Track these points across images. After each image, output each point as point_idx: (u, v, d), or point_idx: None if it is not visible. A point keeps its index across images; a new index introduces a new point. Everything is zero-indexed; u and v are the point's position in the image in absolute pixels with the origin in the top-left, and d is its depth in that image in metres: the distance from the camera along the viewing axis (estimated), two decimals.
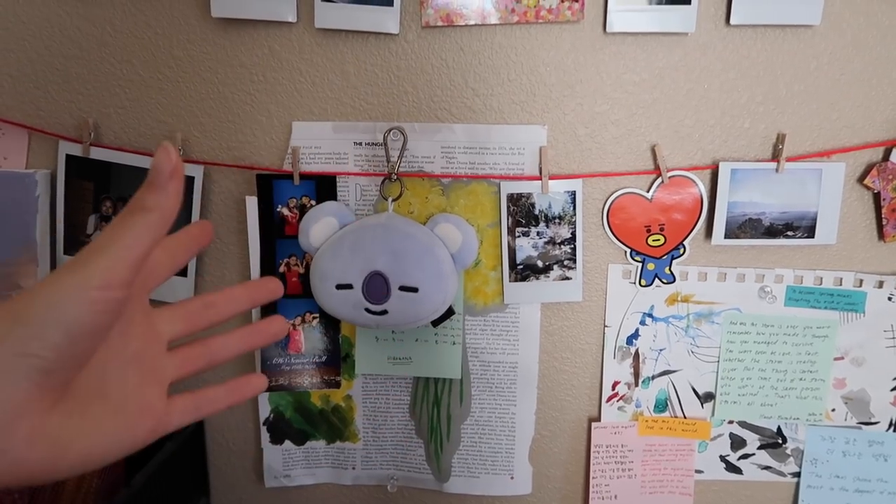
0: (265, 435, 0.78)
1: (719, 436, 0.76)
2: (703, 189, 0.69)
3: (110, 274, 0.30)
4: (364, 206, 0.72)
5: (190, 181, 0.71)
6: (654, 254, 0.71)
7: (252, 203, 0.72)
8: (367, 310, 0.66)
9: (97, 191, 0.73)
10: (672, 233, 0.70)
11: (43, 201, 0.72)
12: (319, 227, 0.68)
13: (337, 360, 0.75)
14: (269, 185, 0.71)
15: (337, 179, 0.71)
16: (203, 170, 0.71)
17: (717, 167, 0.68)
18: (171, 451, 0.72)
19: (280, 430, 0.78)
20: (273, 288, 0.42)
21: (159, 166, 0.33)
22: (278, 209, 0.72)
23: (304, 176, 0.71)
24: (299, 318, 0.74)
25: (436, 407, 0.77)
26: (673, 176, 0.68)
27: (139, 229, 0.31)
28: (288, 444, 0.79)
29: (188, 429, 0.76)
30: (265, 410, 0.78)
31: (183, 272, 0.74)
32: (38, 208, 0.72)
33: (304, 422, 0.78)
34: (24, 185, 0.71)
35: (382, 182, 0.70)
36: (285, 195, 0.72)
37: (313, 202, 0.71)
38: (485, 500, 0.80)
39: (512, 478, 0.78)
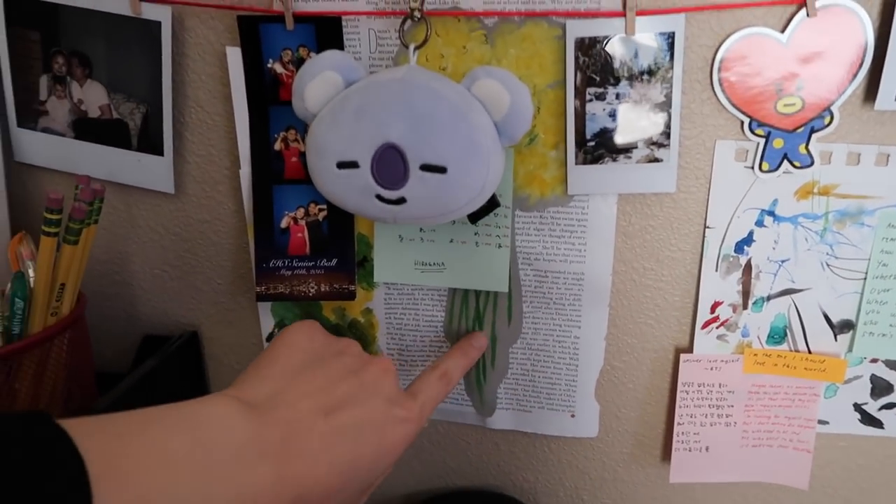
0: None
1: (856, 378, 0.56)
2: (869, 26, 0.46)
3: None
4: (381, 60, 0.54)
5: (156, 28, 0.54)
6: (786, 125, 0.50)
7: (235, 57, 0.55)
8: (379, 197, 0.48)
9: (45, 43, 0.57)
10: (815, 93, 0.48)
11: None
12: (317, 85, 0.50)
13: (351, 265, 0.59)
14: (255, 32, 0.54)
15: (343, 22, 0.53)
16: (171, 11, 0.54)
17: None
18: (151, 367, 0.59)
19: None
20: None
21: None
22: (269, 65, 0.54)
23: (299, 18, 0.52)
24: (301, 210, 0.58)
25: (477, 325, 0.60)
26: (825, 6, 0.46)
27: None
28: None
29: (176, 343, 0.63)
30: (268, 323, 0.63)
31: (159, 150, 0.58)
32: None
33: None
34: None
35: (402, 23, 0.51)
36: (277, 45, 0.54)
37: (313, 54, 0.53)
38: (538, 441, 0.64)
39: (573, 416, 0.62)
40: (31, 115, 0.60)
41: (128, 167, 0.59)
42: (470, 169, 0.47)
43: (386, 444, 0.37)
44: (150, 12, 0.54)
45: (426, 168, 0.47)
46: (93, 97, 0.58)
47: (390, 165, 0.47)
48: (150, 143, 0.58)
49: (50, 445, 0.24)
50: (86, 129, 0.59)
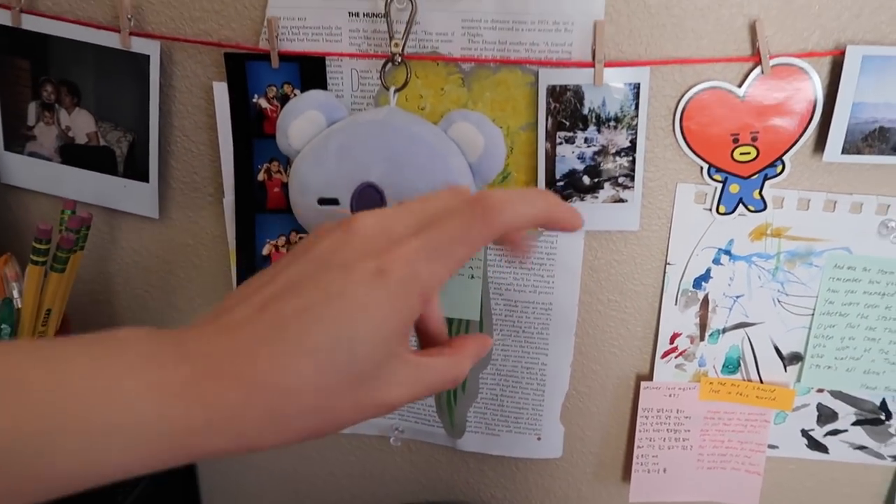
0: None
1: (804, 406, 0.60)
2: (818, 84, 0.50)
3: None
4: (362, 99, 0.56)
5: (145, 62, 0.56)
6: (742, 172, 0.53)
7: (221, 91, 0.57)
8: None
9: (34, 71, 0.59)
10: (768, 144, 0.52)
11: None
12: (301, 123, 0.52)
13: None
14: (241, 69, 0.56)
15: (327, 62, 0.55)
16: (160, 46, 0.56)
17: (843, 53, 0.49)
18: None
19: None
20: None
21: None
22: (254, 100, 0.57)
23: (284, 57, 0.55)
24: (283, 239, 0.60)
25: None
26: (778, 64, 0.50)
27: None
28: None
29: None
30: None
31: (145, 177, 0.60)
32: None
33: None
34: None
35: (384, 66, 0.53)
36: (262, 82, 0.56)
37: (297, 91, 0.56)
38: (505, 462, 0.67)
39: (539, 438, 0.65)
40: (18, 139, 0.61)
41: (113, 192, 0.61)
42: None
43: (358, 318, 0.27)
44: (140, 46, 0.56)
45: None
46: (81, 124, 0.59)
47: (369, 203, 0.50)
48: (135, 169, 0.60)
49: None
50: (73, 154, 0.60)
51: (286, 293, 0.28)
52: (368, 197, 0.50)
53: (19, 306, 0.52)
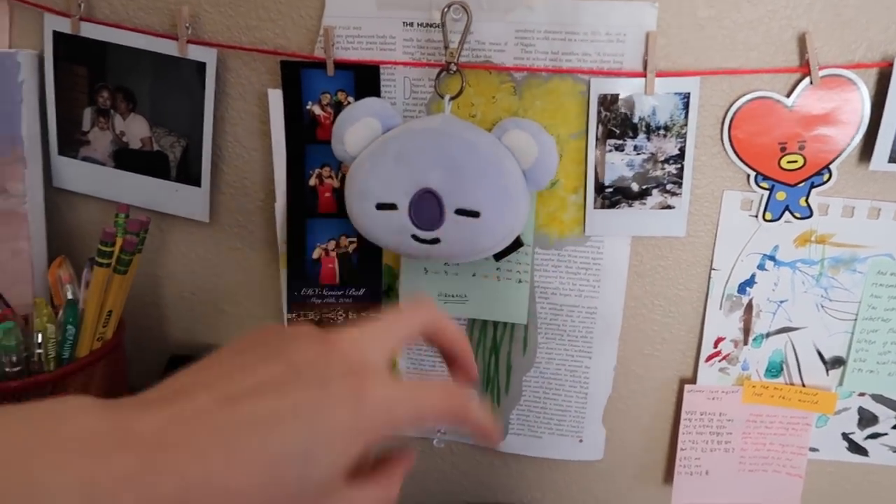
0: None
1: (845, 409, 0.61)
2: (866, 94, 0.51)
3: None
4: (414, 106, 0.57)
5: (201, 69, 0.57)
6: (788, 180, 0.54)
7: (276, 98, 0.58)
8: (415, 237, 0.52)
9: (91, 77, 0.60)
10: (815, 153, 0.53)
11: (29, 88, 0.60)
12: (357, 130, 0.53)
13: (378, 295, 0.62)
14: (296, 76, 0.57)
15: (381, 70, 0.56)
16: (216, 54, 0.57)
17: (891, 64, 0.50)
18: None
19: None
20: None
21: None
22: (308, 107, 0.58)
23: (339, 65, 0.56)
24: (333, 243, 0.61)
25: (493, 354, 0.64)
26: (826, 76, 0.51)
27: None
28: None
29: None
30: None
31: (196, 181, 0.61)
32: (24, 97, 0.59)
33: None
34: (5, 68, 0.59)
35: (438, 75, 0.55)
36: (317, 89, 0.57)
37: (351, 99, 0.57)
38: (546, 464, 0.68)
39: (581, 440, 0.66)
40: (72, 144, 0.62)
41: (165, 196, 0.62)
42: (502, 214, 0.51)
43: (321, 438, 0.27)
44: (197, 54, 0.57)
45: (461, 212, 0.51)
46: (135, 130, 0.60)
47: (427, 209, 0.51)
48: (188, 174, 0.61)
49: None
50: (126, 159, 0.61)
51: (255, 394, 0.27)
52: (427, 202, 0.51)
53: (82, 307, 0.53)
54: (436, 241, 0.52)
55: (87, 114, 0.61)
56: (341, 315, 0.62)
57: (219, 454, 0.25)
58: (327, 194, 0.60)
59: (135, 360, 0.68)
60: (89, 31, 0.58)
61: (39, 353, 0.50)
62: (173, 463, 0.24)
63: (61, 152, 0.63)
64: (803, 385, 0.61)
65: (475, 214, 0.51)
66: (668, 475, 0.66)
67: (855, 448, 0.62)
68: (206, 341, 0.69)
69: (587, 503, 0.69)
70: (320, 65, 0.56)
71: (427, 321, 0.33)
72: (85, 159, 0.62)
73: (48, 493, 0.21)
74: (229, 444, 0.25)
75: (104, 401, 0.25)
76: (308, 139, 0.59)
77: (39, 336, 0.50)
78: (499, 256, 0.58)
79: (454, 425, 0.33)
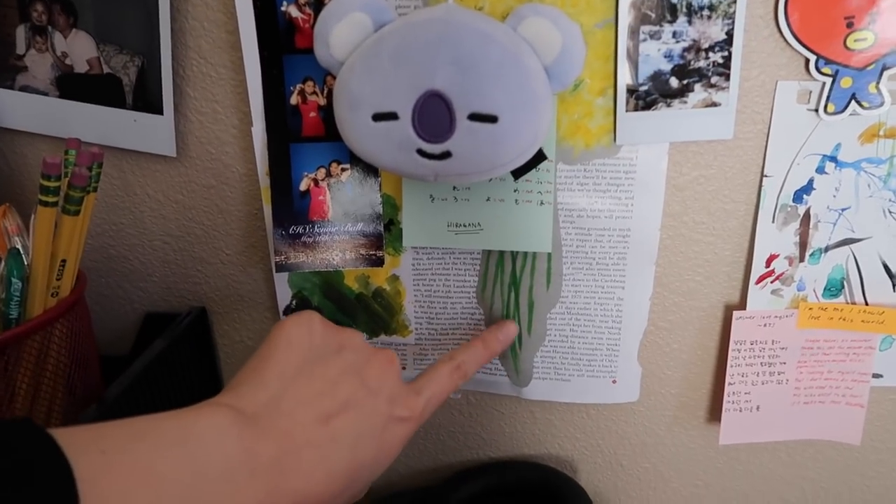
0: None
1: None
2: None
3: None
4: (408, 0, 0.48)
5: None
6: (856, 62, 0.46)
7: (244, 0, 0.48)
8: (421, 151, 0.44)
9: None
10: (889, 28, 0.45)
11: None
12: (344, 29, 0.44)
13: (377, 229, 0.54)
14: None
15: None
16: None
17: None
18: (161, 349, 0.53)
19: None
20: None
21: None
22: (283, 8, 0.48)
23: None
24: (322, 171, 0.52)
25: (513, 290, 0.56)
26: None
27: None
28: None
29: (185, 321, 0.58)
30: (285, 295, 0.58)
31: (158, 109, 0.52)
32: None
33: (336, 310, 0.58)
34: None
35: None
36: None
37: None
38: (575, 409, 0.61)
39: (614, 382, 0.59)
40: (6, 71, 0.53)
41: (122, 128, 0.53)
42: (523, 118, 0.43)
43: (385, 447, 0.36)
44: None
45: (475, 118, 0.42)
46: (79, 49, 0.51)
47: (434, 115, 0.42)
48: (146, 100, 0.52)
49: (39, 459, 0.23)
50: (72, 86, 0.52)
51: (342, 412, 0.34)
52: (434, 107, 0.42)
53: (31, 264, 0.44)
54: (446, 154, 0.43)
55: (20, 32, 0.51)
56: (337, 255, 0.54)
57: (321, 472, 0.31)
58: (312, 114, 0.51)
59: (104, 320, 0.60)
60: None
61: None
62: (291, 488, 0.30)
63: None
64: (866, 303, 0.54)
65: (493, 119, 0.42)
66: (713, 414, 0.59)
67: None
68: (185, 297, 0.60)
69: (622, 449, 0.63)
70: None
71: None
72: (23, 89, 0.53)
73: None
74: (327, 462, 0.32)
75: (231, 415, 0.30)
76: (285, 49, 0.50)
77: None
78: (517, 174, 0.50)
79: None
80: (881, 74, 0.46)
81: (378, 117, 0.43)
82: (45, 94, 0.53)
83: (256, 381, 0.33)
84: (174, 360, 0.55)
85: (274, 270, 0.54)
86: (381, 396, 0.36)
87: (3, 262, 0.43)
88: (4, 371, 0.44)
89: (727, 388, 0.56)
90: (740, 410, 0.57)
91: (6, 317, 0.43)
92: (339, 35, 0.44)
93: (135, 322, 0.61)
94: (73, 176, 0.42)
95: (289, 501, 0.30)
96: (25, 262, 0.44)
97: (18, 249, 0.44)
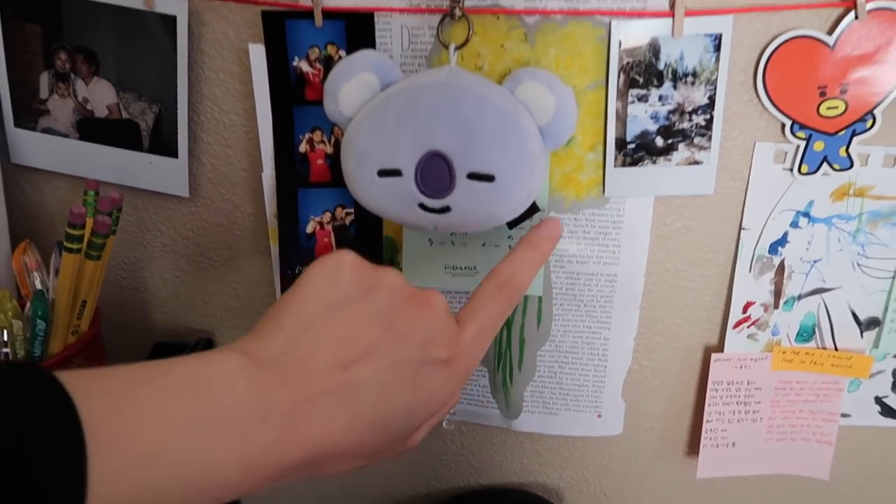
0: None
1: (879, 373, 0.58)
2: None
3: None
4: (413, 59, 0.51)
5: (171, 24, 0.51)
6: (828, 128, 0.50)
7: (258, 54, 0.52)
8: (423, 206, 0.47)
9: (46, 37, 0.53)
10: (859, 97, 0.48)
11: None
12: (352, 87, 0.47)
13: None
14: (280, 29, 0.51)
15: (375, 19, 0.50)
16: (188, 6, 0.51)
17: None
18: None
19: None
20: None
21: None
22: (295, 63, 0.52)
23: (328, 14, 0.50)
24: (328, 215, 0.56)
25: (506, 328, 0.59)
26: (874, 9, 0.46)
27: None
28: None
29: (192, 351, 0.60)
30: None
31: (173, 152, 0.55)
32: None
33: None
34: None
35: (441, 22, 0.49)
36: (304, 43, 0.51)
37: (343, 52, 0.51)
38: (563, 442, 0.64)
39: (599, 416, 0.62)
40: (29, 114, 0.55)
41: (138, 170, 0.56)
42: (519, 177, 0.46)
43: (422, 396, 0.32)
44: (165, 6, 0.51)
45: (474, 176, 0.45)
46: (100, 96, 0.54)
47: (435, 174, 0.46)
48: (162, 144, 0.55)
49: (46, 400, 0.23)
50: (92, 129, 0.55)
51: (364, 358, 0.31)
52: (435, 166, 0.45)
53: (52, 297, 0.47)
54: (446, 209, 0.47)
55: (44, 79, 0.54)
56: None
57: (339, 422, 0.29)
58: (320, 161, 0.54)
59: (115, 350, 0.63)
60: None
61: (6, 353, 0.45)
62: (305, 436, 0.28)
63: (17, 124, 0.56)
64: (836, 349, 0.57)
65: (490, 178, 0.45)
66: (692, 448, 0.63)
67: (888, 412, 0.59)
68: (193, 326, 0.63)
69: (606, 480, 0.66)
70: (307, 14, 0.50)
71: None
72: (45, 131, 0.56)
73: (214, 469, 0.26)
74: (347, 410, 0.29)
75: (243, 361, 0.29)
76: (296, 100, 0.53)
77: (5, 333, 0.45)
78: (512, 224, 0.53)
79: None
80: (850, 140, 0.50)
81: (383, 173, 0.46)
82: (66, 136, 0.55)
83: (273, 327, 0.31)
84: None
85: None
86: (413, 341, 0.32)
87: (28, 304, 0.46)
88: None
89: (705, 426, 0.59)
90: (717, 446, 0.60)
91: (30, 354, 0.46)
92: (348, 93, 0.48)
93: (144, 351, 0.63)
94: (96, 224, 0.45)
95: (303, 450, 0.28)
96: (48, 302, 0.47)
97: (43, 292, 0.46)
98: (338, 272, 0.34)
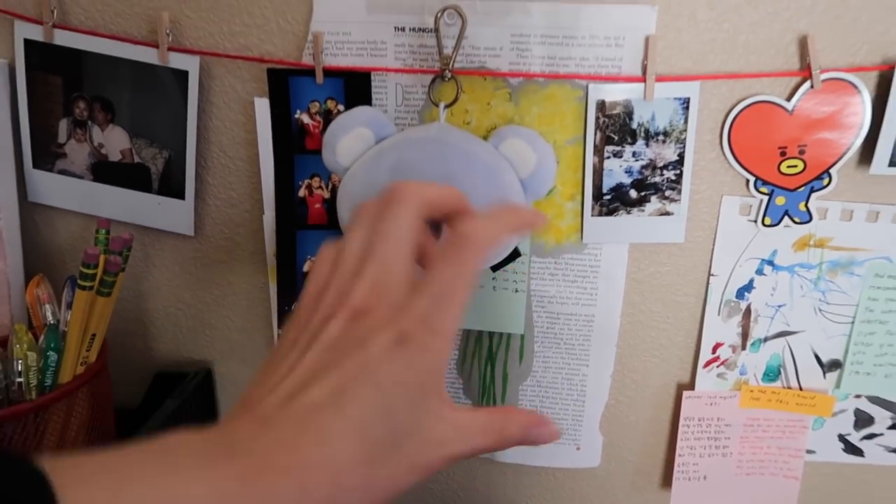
0: None
1: (841, 411, 0.61)
2: (867, 97, 0.50)
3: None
4: (406, 114, 0.55)
5: (183, 78, 0.55)
6: (788, 184, 0.54)
7: (263, 107, 0.56)
8: None
9: (67, 87, 0.57)
10: (816, 157, 0.53)
11: None
12: (349, 140, 0.52)
13: None
14: (283, 84, 0.55)
15: (372, 77, 0.54)
16: (199, 62, 0.55)
17: (892, 67, 0.49)
18: (172, 409, 0.59)
19: None
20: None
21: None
22: (297, 115, 0.56)
23: (328, 72, 0.54)
24: None
25: (489, 364, 0.63)
26: (828, 79, 0.50)
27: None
28: None
29: (193, 380, 0.63)
30: None
31: (181, 194, 0.59)
32: None
33: None
34: None
35: (432, 81, 0.53)
36: (305, 97, 0.55)
37: (341, 107, 0.55)
38: (543, 472, 0.67)
39: (578, 448, 0.65)
40: (48, 157, 0.59)
41: (148, 210, 0.59)
42: None
43: (389, 383, 0.27)
44: (178, 61, 0.55)
45: None
46: (115, 141, 0.58)
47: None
48: (171, 186, 0.58)
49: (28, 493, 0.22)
50: (106, 171, 0.59)
51: (313, 381, 0.27)
52: None
53: (64, 330, 0.50)
54: None
55: (63, 125, 0.58)
56: None
57: (307, 443, 0.26)
58: (317, 205, 0.58)
59: (119, 377, 0.66)
60: (63, 38, 0.55)
61: (20, 382, 0.48)
62: (276, 462, 0.25)
63: (36, 165, 0.60)
64: (800, 388, 0.61)
65: None
66: (666, 481, 0.66)
67: (851, 449, 0.62)
68: (193, 357, 0.66)
69: None
70: (308, 72, 0.54)
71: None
72: (61, 172, 0.60)
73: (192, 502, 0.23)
74: (309, 430, 0.26)
75: (200, 431, 0.26)
76: (297, 149, 0.57)
77: (19, 364, 0.48)
78: (496, 267, 0.57)
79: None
80: (809, 195, 0.54)
81: None
82: (81, 177, 0.59)
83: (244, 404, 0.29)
84: (182, 418, 0.61)
85: (276, 339, 0.61)
86: (352, 346, 0.28)
87: (42, 336, 0.49)
88: (36, 430, 0.50)
89: (677, 460, 0.63)
90: (689, 479, 0.63)
91: (42, 384, 0.49)
92: (345, 145, 0.52)
93: (145, 379, 0.66)
94: (108, 263, 0.49)
95: (291, 476, 0.25)
96: (60, 335, 0.50)
97: (56, 325, 0.50)
98: (300, 316, 0.31)
